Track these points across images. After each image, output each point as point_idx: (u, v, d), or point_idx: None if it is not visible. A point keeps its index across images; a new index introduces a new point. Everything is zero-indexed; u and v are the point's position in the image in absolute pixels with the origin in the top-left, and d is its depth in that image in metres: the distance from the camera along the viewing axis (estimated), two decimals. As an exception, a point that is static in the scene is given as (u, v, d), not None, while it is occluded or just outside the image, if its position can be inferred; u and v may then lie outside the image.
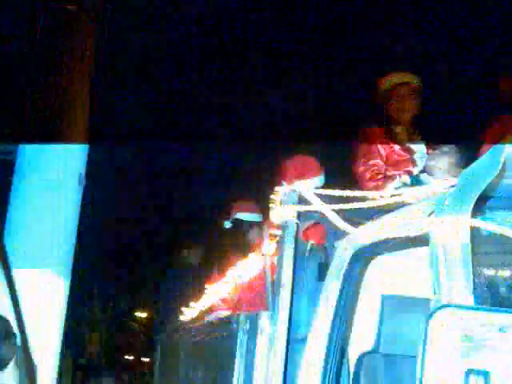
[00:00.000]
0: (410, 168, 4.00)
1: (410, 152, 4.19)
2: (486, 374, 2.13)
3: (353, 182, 4.05)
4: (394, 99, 4.29)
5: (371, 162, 4.13)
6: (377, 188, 3.77)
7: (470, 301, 2.30)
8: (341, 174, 4.30)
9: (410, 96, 4.30)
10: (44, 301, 4.42)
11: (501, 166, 2.31)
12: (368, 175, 4.08)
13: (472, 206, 2.43)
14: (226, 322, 4.63)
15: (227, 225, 5.72)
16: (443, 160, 3.89)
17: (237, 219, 5.65)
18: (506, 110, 3.78)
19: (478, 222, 2.46)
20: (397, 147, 4.22)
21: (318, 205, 3.34)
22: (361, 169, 4.16)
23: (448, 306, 2.25)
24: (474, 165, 2.52)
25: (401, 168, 4.03)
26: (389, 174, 4.02)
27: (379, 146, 4.18)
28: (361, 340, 3.24)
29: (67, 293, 4.56)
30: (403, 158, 4.13)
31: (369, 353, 3.20)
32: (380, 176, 4.03)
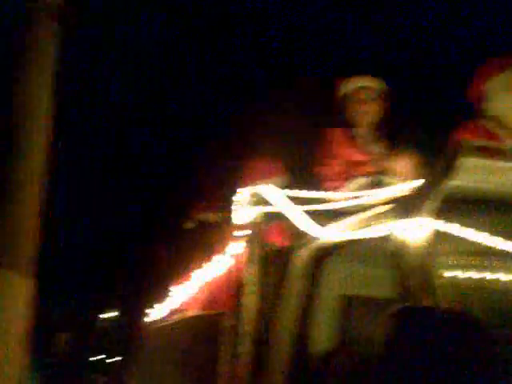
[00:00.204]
0: (371, 169, 4.05)
1: (371, 154, 4.24)
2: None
3: (315, 182, 4.08)
4: (356, 102, 4.34)
5: (332, 163, 4.17)
6: (337, 189, 3.81)
7: (428, 301, 2.35)
8: (303, 174, 4.35)
9: (370, 99, 4.35)
10: (7, 301, 4.37)
11: (457, 169, 2.36)
12: (328, 176, 4.12)
13: (430, 208, 2.47)
14: (192, 322, 4.65)
15: (190, 226, 5.74)
16: (403, 162, 3.94)
17: (200, 220, 5.66)
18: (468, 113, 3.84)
19: (438, 224, 2.51)
20: (358, 149, 4.27)
21: (281, 206, 3.37)
22: (321, 170, 4.20)
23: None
24: (434, 167, 2.56)
25: (362, 169, 4.08)
26: (350, 175, 4.06)
27: (341, 148, 4.23)
28: (324, 340, 3.27)
29: (32, 292, 4.51)
30: (364, 160, 4.18)
31: (332, 353, 3.23)
32: (340, 177, 4.07)
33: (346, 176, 4.06)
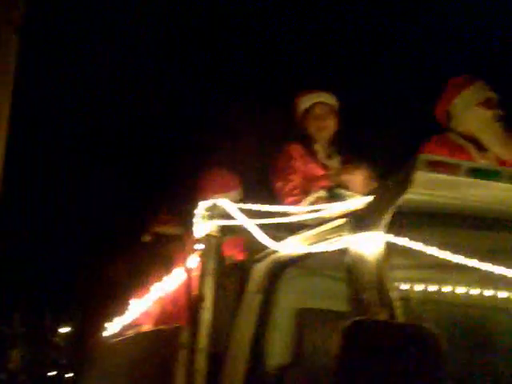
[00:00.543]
0: (327, 183, 4.08)
1: (327, 168, 4.29)
2: None
3: (273, 196, 4.10)
4: (312, 118, 4.39)
5: (289, 178, 4.19)
6: (294, 202, 3.83)
7: (384, 314, 2.36)
8: (261, 188, 4.36)
9: (326, 115, 4.40)
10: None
11: (412, 183, 2.38)
12: (286, 190, 4.14)
13: (386, 222, 2.48)
14: (148, 337, 4.60)
15: (148, 239, 5.71)
16: (359, 175, 3.99)
17: (157, 233, 5.63)
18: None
19: (392, 238, 2.52)
20: (315, 163, 4.30)
21: (239, 219, 3.36)
22: (279, 184, 4.22)
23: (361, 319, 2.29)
24: (387, 181, 2.58)
25: (318, 183, 4.11)
26: (306, 189, 4.09)
27: (297, 162, 4.26)
28: (279, 354, 3.26)
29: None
30: (320, 174, 4.22)
31: (288, 367, 3.22)
32: (297, 191, 4.10)
33: (303, 190, 4.09)
